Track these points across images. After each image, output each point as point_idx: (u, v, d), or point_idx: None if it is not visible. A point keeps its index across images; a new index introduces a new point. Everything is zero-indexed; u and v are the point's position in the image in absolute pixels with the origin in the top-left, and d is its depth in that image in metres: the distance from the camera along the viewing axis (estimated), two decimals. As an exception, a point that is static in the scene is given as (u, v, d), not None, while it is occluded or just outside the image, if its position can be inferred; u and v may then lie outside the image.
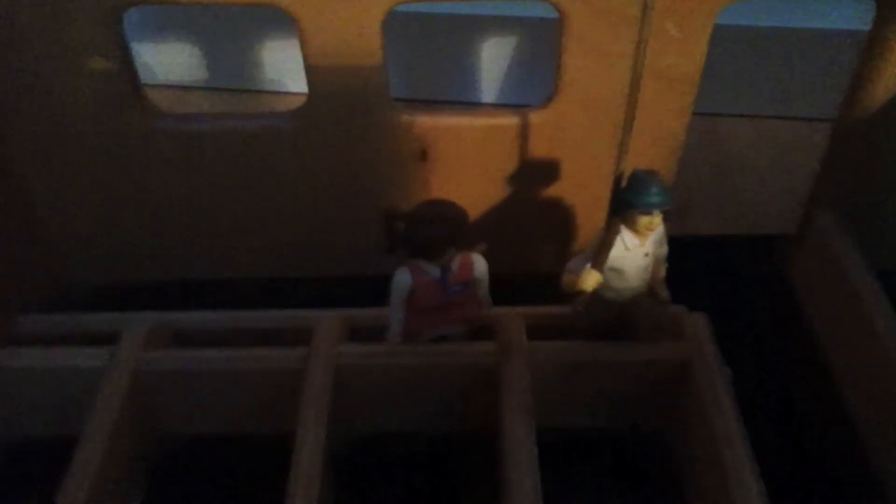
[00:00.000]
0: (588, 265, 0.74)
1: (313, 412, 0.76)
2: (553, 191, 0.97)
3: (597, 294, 0.77)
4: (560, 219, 1.00)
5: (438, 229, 0.74)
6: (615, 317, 0.80)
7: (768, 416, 0.90)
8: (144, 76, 1.52)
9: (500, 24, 1.40)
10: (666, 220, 0.77)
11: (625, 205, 0.73)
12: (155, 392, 0.83)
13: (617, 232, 0.74)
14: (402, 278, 0.76)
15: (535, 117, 0.91)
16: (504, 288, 0.83)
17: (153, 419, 0.84)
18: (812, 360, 0.97)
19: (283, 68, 1.49)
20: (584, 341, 0.82)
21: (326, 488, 0.75)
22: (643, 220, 0.73)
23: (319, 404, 0.77)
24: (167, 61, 1.51)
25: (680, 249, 0.81)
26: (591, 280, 0.74)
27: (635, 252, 0.75)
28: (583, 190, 0.97)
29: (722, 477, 0.72)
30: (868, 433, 0.87)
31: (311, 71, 0.86)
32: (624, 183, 0.74)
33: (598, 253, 0.74)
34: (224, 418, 0.86)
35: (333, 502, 0.80)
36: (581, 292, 0.75)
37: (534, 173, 0.96)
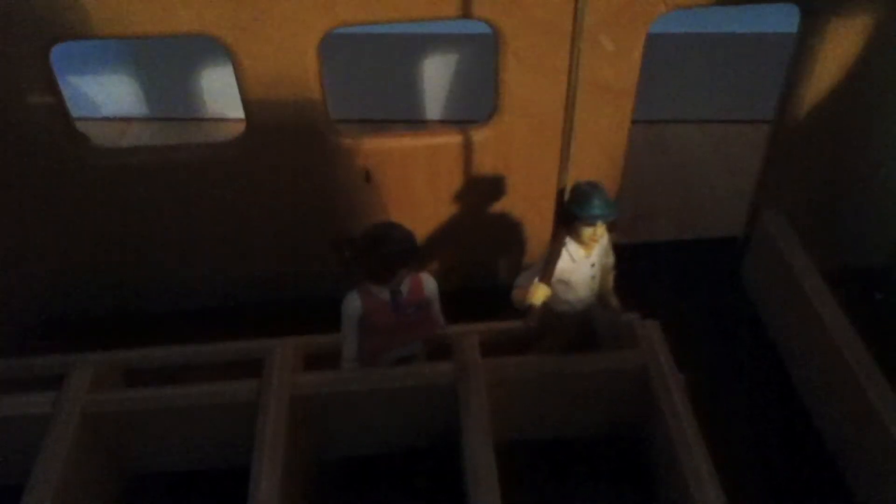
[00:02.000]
0: (536, 279, 0.74)
1: (267, 445, 0.75)
2: (501, 205, 0.98)
3: (548, 307, 0.77)
4: (510, 233, 1.01)
5: (387, 251, 0.74)
6: (571, 329, 0.81)
7: (728, 416, 0.91)
8: (87, 110, 1.49)
9: (441, 41, 1.41)
10: (612, 230, 0.77)
11: (569, 217, 0.74)
12: (106, 433, 0.80)
13: (563, 244, 0.75)
14: (352, 304, 0.76)
15: (479, 134, 0.91)
16: (459, 304, 0.83)
17: (106, 460, 0.82)
18: (766, 357, 0.98)
19: (224, 96, 1.48)
20: (537, 356, 0.82)
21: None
22: (587, 231, 0.73)
23: (275, 436, 0.75)
24: (109, 94, 1.50)
25: (632, 256, 0.82)
26: (539, 294, 0.74)
27: (582, 263, 0.76)
28: (530, 203, 0.97)
29: (681, 480, 0.73)
30: (822, 422, 0.88)
31: (247, 99, 0.85)
32: (567, 196, 0.74)
33: (546, 266, 0.74)
34: (180, 455, 0.84)
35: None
36: (532, 307, 0.75)
37: (481, 189, 0.96)
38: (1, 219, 0.93)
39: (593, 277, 0.77)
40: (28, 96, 0.83)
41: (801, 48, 0.90)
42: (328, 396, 0.80)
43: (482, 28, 0.85)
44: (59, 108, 0.85)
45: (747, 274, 1.08)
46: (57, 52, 0.82)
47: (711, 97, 1.46)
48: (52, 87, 0.84)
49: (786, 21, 1.36)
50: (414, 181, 0.94)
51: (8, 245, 0.95)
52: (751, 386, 0.95)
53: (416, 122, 1.49)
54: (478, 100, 1.44)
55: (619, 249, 0.82)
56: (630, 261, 0.85)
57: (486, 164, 0.93)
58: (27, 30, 0.78)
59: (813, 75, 0.90)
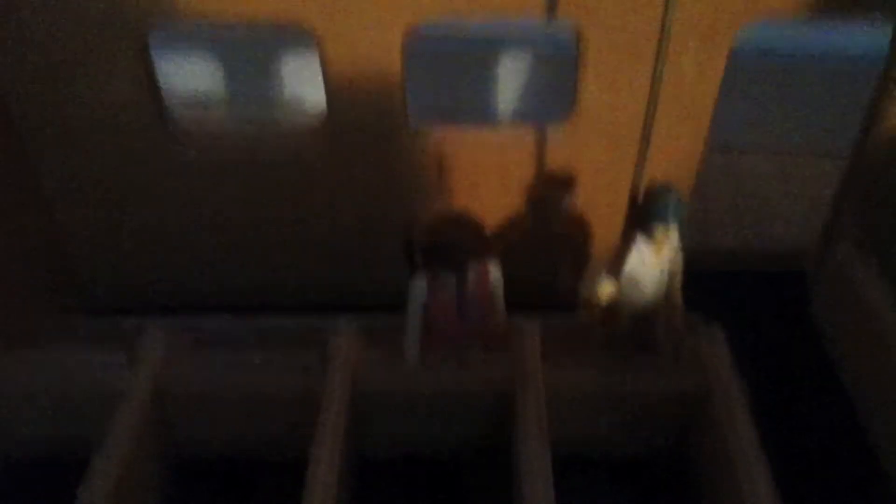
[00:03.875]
0: (604, 275, 0.74)
1: (329, 434, 0.75)
2: (570, 204, 0.97)
3: (614, 306, 0.76)
4: (577, 231, 0.99)
5: (456, 236, 0.74)
6: (633, 329, 0.80)
7: (789, 448, 0.87)
8: (167, 93, 1.54)
9: (519, 47, 1.42)
10: (682, 233, 0.77)
11: (642, 216, 0.74)
12: (174, 398, 0.83)
13: (633, 244, 0.74)
14: (419, 283, 0.76)
15: (552, 135, 0.91)
16: (520, 296, 0.82)
17: (172, 430, 0.84)
18: (834, 392, 0.95)
19: (303, 83, 1.51)
20: (599, 369, 0.81)
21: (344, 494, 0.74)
22: (660, 230, 0.73)
23: (336, 427, 0.76)
24: (190, 76, 1.54)
25: (700, 285, 0.81)
26: (606, 289, 0.74)
27: (651, 263, 0.75)
28: (599, 203, 0.96)
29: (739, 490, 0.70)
30: (890, 464, 0.85)
31: (330, 87, 0.87)
32: (641, 196, 0.74)
33: (615, 262, 0.74)
34: (235, 438, 0.86)
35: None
36: (597, 305, 0.75)
37: (549, 188, 0.95)
38: (86, 198, 0.96)
39: (661, 278, 0.76)
40: (126, 81, 0.86)
41: (888, 75, 0.87)
42: (389, 392, 0.81)
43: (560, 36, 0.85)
44: (157, 99, 0.89)
45: (817, 304, 1.05)
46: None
47: (784, 127, 1.43)
48: (152, 77, 0.87)
49: (866, 44, 1.34)
50: (485, 174, 0.94)
51: (91, 226, 0.99)
52: (816, 421, 0.92)
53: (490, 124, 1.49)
54: (551, 109, 1.45)
55: (685, 277, 0.80)
56: (697, 290, 0.84)
57: (557, 163, 0.93)
58: (127, 16, 0.82)
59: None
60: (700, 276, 0.79)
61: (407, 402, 0.81)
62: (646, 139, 0.76)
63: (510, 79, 1.46)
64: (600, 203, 0.96)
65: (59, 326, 0.91)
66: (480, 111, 1.50)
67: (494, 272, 0.78)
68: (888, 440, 0.86)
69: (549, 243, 1.00)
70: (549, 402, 0.78)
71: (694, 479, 0.83)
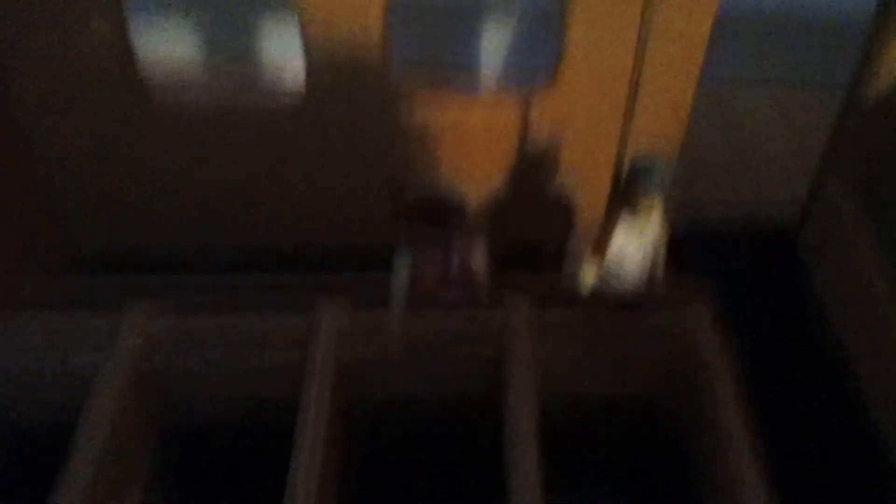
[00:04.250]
0: (589, 253, 0.74)
1: (317, 378, 0.77)
2: (557, 171, 0.96)
3: (601, 282, 0.77)
4: (565, 200, 0.99)
5: (443, 195, 0.74)
6: (620, 301, 0.80)
7: (770, 385, 0.90)
8: (144, 50, 1.51)
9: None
10: (667, 209, 0.76)
11: (626, 192, 0.73)
12: (161, 359, 0.83)
13: (618, 218, 0.74)
14: (403, 261, 0.77)
15: (540, 95, 0.89)
16: (507, 269, 0.83)
17: (160, 386, 0.85)
18: (818, 329, 0.96)
19: (283, 39, 1.47)
20: (589, 311, 0.82)
21: (332, 460, 0.76)
22: (644, 205, 0.72)
23: (324, 371, 0.77)
24: (165, 35, 1.49)
25: (686, 220, 0.81)
26: (593, 268, 0.74)
27: (637, 242, 0.75)
28: (586, 172, 0.95)
29: (723, 449, 0.73)
30: (875, 408, 0.87)
31: (309, 48, 0.84)
32: (625, 170, 0.73)
33: (599, 244, 0.74)
34: (230, 385, 0.87)
35: (341, 475, 0.81)
36: (583, 281, 0.75)
37: (538, 153, 0.94)
38: (67, 147, 0.95)
39: (647, 253, 0.77)
40: (98, 24, 0.83)
41: (885, 11, 0.85)
42: (376, 336, 0.82)
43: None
44: (125, 43, 0.86)
45: (804, 242, 1.06)
46: None
47: (777, 57, 1.40)
48: (125, 31, 0.84)
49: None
50: (471, 141, 0.92)
51: (73, 174, 0.97)
52: (801, 362, 0.94)
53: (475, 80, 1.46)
54: (536, 67, 1.42)
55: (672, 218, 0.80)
56: (686, 225, 0.84)
57: (543, 125, 0.91)
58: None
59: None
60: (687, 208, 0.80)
61: (393, 368, 0.82)
62: (633, 92, 0.74)
63: (496, 35, 1.42)
64: (588, 164, 0.94)
65: (43, 286, 0.91)
66: (466, 69, 1.46)
67: (480, 244, 0.78)
68: (876, 387, 0.88)
69: (537, 208, 1.00)
70: (538, 344, 0.80)
71: (682, 426, 0.86)
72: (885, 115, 0.93)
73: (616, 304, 0.81)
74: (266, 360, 0.84)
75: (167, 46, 1.51)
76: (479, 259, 0.79)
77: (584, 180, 0.97)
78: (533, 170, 0.96)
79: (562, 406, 0.81)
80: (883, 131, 0.95)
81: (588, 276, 0.74)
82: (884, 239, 0.90)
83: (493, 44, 1.44)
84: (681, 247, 0.81)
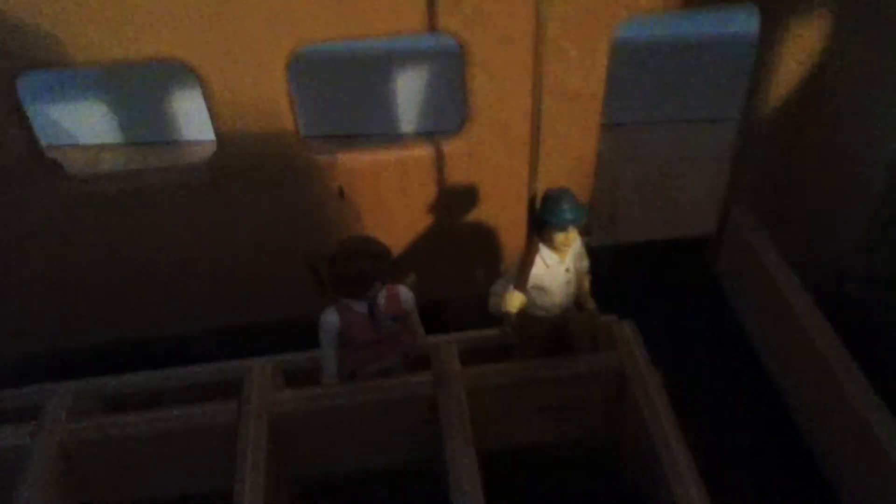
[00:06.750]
0: (511, 286, 0.75)
1: (249, 464, 0.74)
2: (474, 215, 0.98)
3: (525, 313, 0.77)
4: (484, 242, 1.01)
5: (362, 265, 0.74)
6: (549, 334, 0.81)
7: (707, 414, 0.92)
8: (60, 138, 1.49)
9: (411, 57, 1.42)
10: (585, 234, 0.78)
11: (540, 223, 0.74)
12: (85, 462, 0.80)
13: (536, 251, 0.75)
14: (330, 319, 0.76)
15: (449, 146, 0.92)
16: (436, 315, 0.83)
17: (85, 491, 0.81)
18: (741, 351, 0.99)
19: (196, 118, 1.48)
20: (517, 361, 0.83)
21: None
22: (559, 236, 0.74)
23: (255, 456, 0.75)
24: (81, 121, 1.49)
25: (608, 258, 0.83)
26: (515, 301, 0.75)
27: (556, 269, 0.76)
28: (503, 211, 0.98)
29: (663, 478, 0.73)
30: (799, 416, 0.90)
31: (217, 120, 0.85)
32: (538, 203, 0.75)
33: (520, 273, 0.75)
34: (161, 482, 0.84)
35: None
36: (508, 314, 0.76)
37: (453, 200, 0.97)
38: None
39: (568, 282, 0.78)
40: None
41: (763, 48, 0.91)
42: (309, 414, 0.80)
43: (450, 43, 0.85)
44: (28, 138, 0.85)
45: (721, 270, 1.10)
46: (26, 81, 0.82)
47: (682, 99, 1.48)
48: (21, 117, 0.83)
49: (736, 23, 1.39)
50: (387, 194, 0.94)
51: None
52: (727, 383, 0.96)
53: (388, 137, 1.49)
54: (448, 113, 1.46)
55: (593, 252, 0.82)
56: (606, 263, 0.86)
57: (457, 174, 0.94)
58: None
59: (778, 75, 0.92)
60: (607, 248, 0.81)
61: (328, 419, 0.81)
62: (536, 141, 0.77)
63: (402, 89, 1.46)
64: (504, 208, 0.97)
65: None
66: (376, 125, 1.50)
67: (405, 293, 0.78)
68: (794, 388, 0.92)
69: (459, 256, 1.02)
70: (472, 400, 0.79)
71: (622, 462, 0.86)
72: (775, 144, 0.99)
73: (546, 348, 0.82)
74: (195, 453, 0.81)
75: (79, 130, 1.50)
76: (407, 310, 0.79)
77: (501, 221, 0.99)
78: (451, 218, 0.98)
79: (502, 458, 0.80)
80: (776, 157, 1.00)
81: (511, 307, 0.75)
82: (792, 258, 0.95)
83: (401, 97, 1.48)
84: (604, 273, 0.84)
